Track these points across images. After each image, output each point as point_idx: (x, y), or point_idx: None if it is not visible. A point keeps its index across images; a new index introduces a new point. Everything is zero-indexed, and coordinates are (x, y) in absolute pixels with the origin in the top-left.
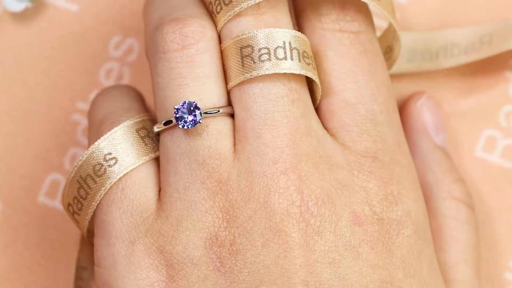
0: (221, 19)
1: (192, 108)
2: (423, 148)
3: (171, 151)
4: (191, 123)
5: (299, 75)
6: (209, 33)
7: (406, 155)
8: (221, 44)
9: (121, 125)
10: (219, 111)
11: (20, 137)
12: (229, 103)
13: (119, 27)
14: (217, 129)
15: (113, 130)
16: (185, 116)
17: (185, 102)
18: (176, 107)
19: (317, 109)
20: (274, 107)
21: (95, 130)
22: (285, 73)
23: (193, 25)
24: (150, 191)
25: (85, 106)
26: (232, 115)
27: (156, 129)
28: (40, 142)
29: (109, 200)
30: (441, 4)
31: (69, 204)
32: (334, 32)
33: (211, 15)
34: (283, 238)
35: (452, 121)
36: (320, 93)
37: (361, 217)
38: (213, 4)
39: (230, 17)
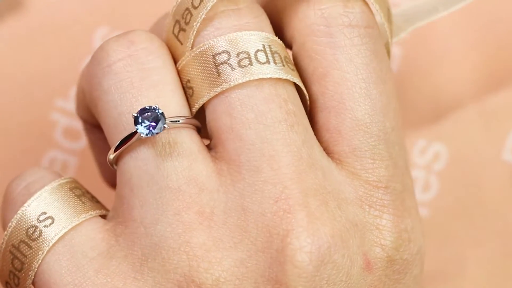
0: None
1: (156, 113)
2: None
3: (136, 177)
4: (155, 128)
5: (287, 86)
6: (159, 41)
7: (410, 176)
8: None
9: (52, 183)
10: (183, 120)
11: None
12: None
13: (107, 18)
14: (188, 148)
15: (43, 189)
16: (147, 122)
17: (145, 107)
18: (134, 114)
19: (322, 126)
20: (273, 134)
21: (17, 197)
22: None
23: (137, 32)
24: (97, 234)
25: (64, 104)
26: (197, 129)
27: (111, 155)
28: (15, 143)
29: (45, 257)
30: None
31: (7, 283)
32: (343, 28)
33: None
34: None
35: (476, 120)
36: (308, 100)
37: (371, 260)
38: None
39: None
